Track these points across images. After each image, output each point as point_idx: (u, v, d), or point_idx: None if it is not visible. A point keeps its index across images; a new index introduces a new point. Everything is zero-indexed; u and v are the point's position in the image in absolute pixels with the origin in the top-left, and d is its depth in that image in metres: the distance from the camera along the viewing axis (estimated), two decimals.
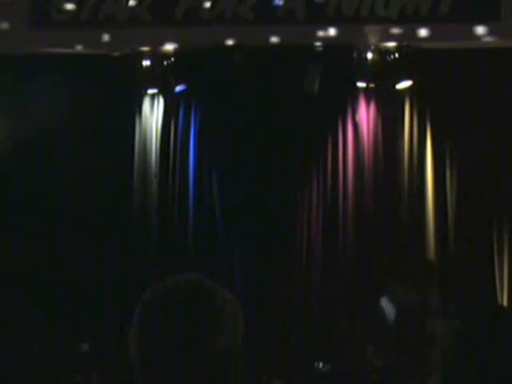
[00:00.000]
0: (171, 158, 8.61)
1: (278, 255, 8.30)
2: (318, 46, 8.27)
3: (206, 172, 8.51)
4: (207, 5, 8.19)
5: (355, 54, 8.30)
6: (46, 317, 7.56)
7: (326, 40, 8.22)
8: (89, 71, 8.23)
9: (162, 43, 8.35)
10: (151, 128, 8.70)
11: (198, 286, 1.66)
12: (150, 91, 8.61)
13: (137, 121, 8.69)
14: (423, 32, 8.11)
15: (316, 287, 8.36)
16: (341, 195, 8.54)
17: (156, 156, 8.63)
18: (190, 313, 1.61)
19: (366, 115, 8.67)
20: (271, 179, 8.31)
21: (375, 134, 8.61)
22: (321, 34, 8.17)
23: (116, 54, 8.31)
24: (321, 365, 7.31)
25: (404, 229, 8.28)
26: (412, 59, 8.09)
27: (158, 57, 8.36)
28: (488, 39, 7.95)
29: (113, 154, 8.30)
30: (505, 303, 7.82)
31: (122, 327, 2.84)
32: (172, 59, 8.38)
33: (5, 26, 8.21)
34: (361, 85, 8.42)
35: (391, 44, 8.24)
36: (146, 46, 8.37)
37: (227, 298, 1.68)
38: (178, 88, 8.49)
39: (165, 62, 8.42)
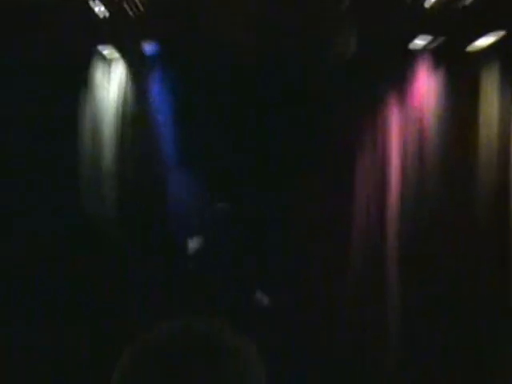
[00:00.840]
0: (131, 140, 6.42)
1: None
2: None
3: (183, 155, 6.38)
4: None
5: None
6: None
7: None
8: (25, 21, 6.01)
9: None
10: (107, 100, 6.44)
11: (211, 343, 1.36)
12: (106, 51, 6.34)
13: (88, 89, 6.42)
14: None
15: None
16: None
17: (111, 141, 6.40)
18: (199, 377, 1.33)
19: (426, 87, 6.40)
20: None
21: (440, 113, 6.42)
22: None
23: None
24: None
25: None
26: (494, 6, 5.71)
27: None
28: None
29: (54, 136, 6.34)
30: None
31: None
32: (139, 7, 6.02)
33: None
34: (418, 44, 6.27)
35: None
36: None
37: (248, 356, 1.38)
38: (147, 48, 6.24)
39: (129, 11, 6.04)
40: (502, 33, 5.95)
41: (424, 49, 6.32)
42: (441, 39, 6.18)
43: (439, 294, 6.39)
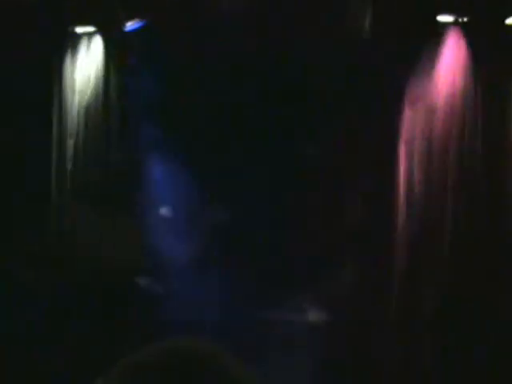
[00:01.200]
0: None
1: None
2: None
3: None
4: None
5: None
6: None
7: None
8: None
9: None
10: (84, 85, 5.77)
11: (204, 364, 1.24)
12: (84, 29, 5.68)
13: (63, 73, 5.77)
14: None
15: None
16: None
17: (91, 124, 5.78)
18: None
19: (457, 66, 5.62)
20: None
21: (473, 96, 5.65)
22: None
23: None
24: None
25: None
26: None
27: None
28: None
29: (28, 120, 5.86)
30: None
31: None
32: None
33: None
34: (446, 19, 5.56)
35: None
36: None
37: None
38: (130, 25, 5.58)
39: None
40: None
41: (455, 21, 5.51)
42: (474, 12, 5.41)
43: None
